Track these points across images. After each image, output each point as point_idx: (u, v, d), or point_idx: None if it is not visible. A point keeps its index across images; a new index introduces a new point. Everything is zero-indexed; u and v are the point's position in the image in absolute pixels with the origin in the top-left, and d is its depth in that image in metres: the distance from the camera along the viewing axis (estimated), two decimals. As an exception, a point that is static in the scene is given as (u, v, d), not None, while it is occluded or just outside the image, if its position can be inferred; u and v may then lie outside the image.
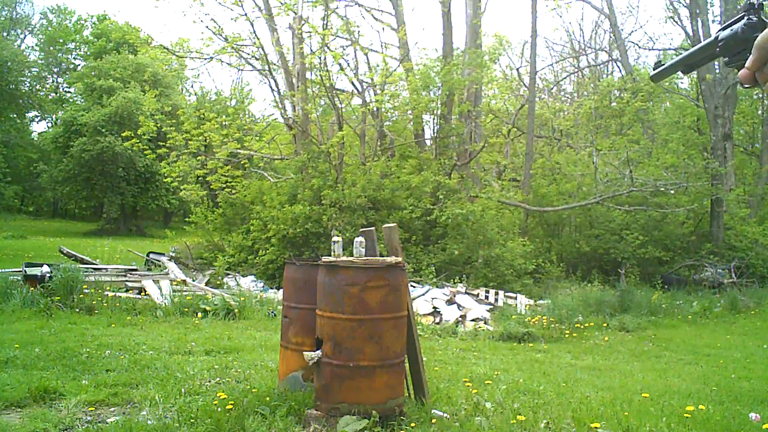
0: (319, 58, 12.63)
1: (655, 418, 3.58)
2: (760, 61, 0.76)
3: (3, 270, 8.55)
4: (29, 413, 3.54)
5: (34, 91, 32.54)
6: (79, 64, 36.81)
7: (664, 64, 1.06)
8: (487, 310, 9.26)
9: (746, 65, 0.78)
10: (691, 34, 15.31)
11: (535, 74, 16.97)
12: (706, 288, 12.46)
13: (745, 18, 0.84)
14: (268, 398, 3.68)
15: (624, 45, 18.77)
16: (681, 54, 1.01)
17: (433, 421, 3.42)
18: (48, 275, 7.66)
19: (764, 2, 0.84)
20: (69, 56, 38.09)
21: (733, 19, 0.88)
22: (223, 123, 14.57)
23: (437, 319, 8.68)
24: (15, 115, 30.65)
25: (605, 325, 8.74)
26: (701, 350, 7.29)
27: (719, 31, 0.89)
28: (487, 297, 10.15)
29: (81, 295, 7.34)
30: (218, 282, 10.68)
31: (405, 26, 14.13)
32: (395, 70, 13.56)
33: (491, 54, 13.48)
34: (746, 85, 0.84)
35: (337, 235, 4.14)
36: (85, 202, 29.79)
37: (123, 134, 17.64)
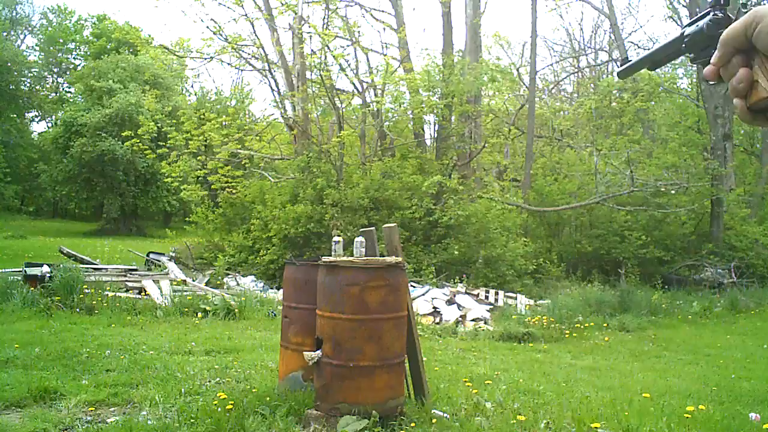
0: (320, 58, 12.64)
1: (655, 418, 3.58)
2: (724, 58, 0.77)
3: (3, 270, 8.55)
4: (29, 413, 3.54)
5: (34, 91, 32.55)
6: (79, 64, 36.79)
7: (630, 61, 1.06)
8: (487, 310, 9.26)
9: (711, 61, 0.79)
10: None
11: (535, 74, 16.98)
12: (706, 288, 12.46)
13: (711, 14, 0.85)
14: (268, 398, 3.68)
15: (624, 45, 18.76)
16: (647, 50, 1.01)
17: (433, 421, 3.42)
18: (48, 275, 7.65)
19: None
20: (69, 56, 38.08)
21: (698, 16, 0.88)
22: (224, 123, 14.56)
23: (437, 319, 8.68)
24: (15, 115, 30.65)
25: (605, 325, 8.73)
26: (701, 350, 7.29)
27: (685, 27, 0.90)
28: (487, 297, 10.15)
29: (81, 295, 7.34)
30: (218, 282, 10.68)
31: (405, 26, 14.14)
32: (395, 70, 13.57)
33: (491, 71, 13.48)
34: (711, 82, 0.84)
35: (339, 235, 4.14)
36: (85, 203, 29.77)
37: (123, 134, 17.65)
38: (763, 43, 0.72)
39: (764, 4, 0.77)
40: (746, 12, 0.77)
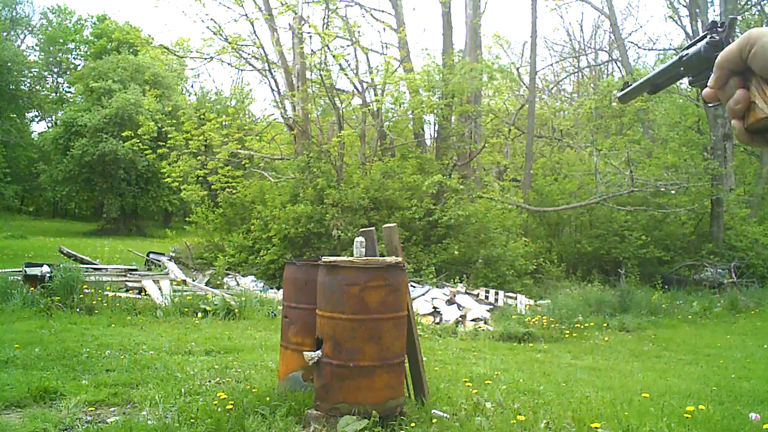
0: (320, 58, 12.64)
1: (655, 418, 3.58)
2: (720, 80, 0.78)
3: (3, 270, 8.55)
4: (29, 413, 3.54)
5: (34, 91, 32.51)
6: (79, 64, 36.80)
7: (631, 85, 1.07)
8: (487, 310, 9.26)
9: (708, 84, 0.80)
10: (690, 34, 15.33)
11: (535, 74, 16.98)
12: (706, 288, 12.46)
13: (708, 37, 0.86)
14: (268, 398, 3.68)
15: (624, 45, 18.77)
16: (647, 74, 1.03)
17: (433, 421, 3.42)
18: (48, 275, 7.65)
19: (737, 19, 0.86)
20: (69, 56, 38.07)
21: (696, 39, 0.89)
22: (224, 123, 14.56)
23: (437, 319, 8.68)
24: (15, 115, 30.62)
25: (605, 325, 8.73)
26: (701, 350, 7.29)
27: (683, 50, 0.91)
28: (487, 297, 10.15)
29: (81, 295, 7.34)
30: (218, 282, 10.68)
31: (405, 26, 14.14)
32: (395, 70, 13.57)
33: (490, 70, 13.49)
34: (710, 104, 0.85)
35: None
36: (85, 203, 29.77)
37: (123, 134, 17.65)
38: (759, 65, 0.72)
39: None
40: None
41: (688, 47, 0.90)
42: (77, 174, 25.75)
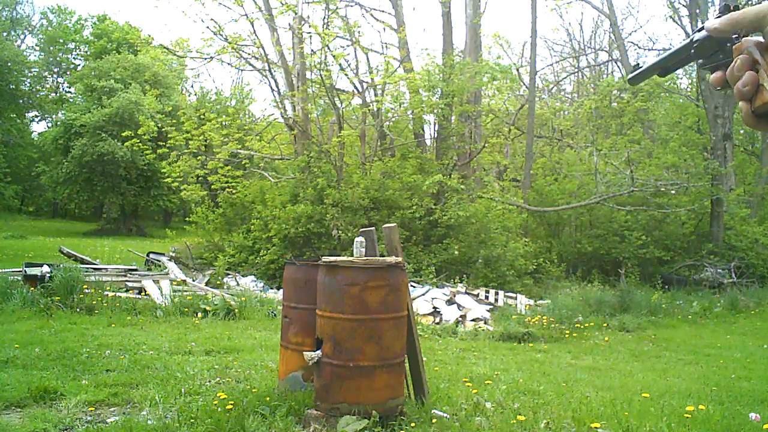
0: (320, 57, 12.65)
1: (655, 418, 3.57)
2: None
3: (3, 270, 8.55)
4: (29, 413, 3.54)
5: (34, 91, 32.50)
6: (79, 64, 36.77)
7: (641, 67, 1.06)
8: (487, 310, 9.26)
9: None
10: (690, 33, 15.32)
11: (535, 74, 16.98)
12: (706, 288, 12.46)
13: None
14: (268, 398, 3.68)
15: (624, 45, 18.77)
16: (658, 57, 1.02)
17: (433, 421, 3.42)
18: (48, 275, 7.65)
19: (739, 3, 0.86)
20: (69, 56, 38.04)
21: (708, 21, 0.89)
22: (224, 123, 14.56)
23: (437, 319, 8.68)
24: (15, 115, 30.61)
25: (605, 325, 8.73)
26: (701, 350, 7.29)
27: (694, 32, 0.90)
28: (487, 297, 10.15)
29: (81, 295, 7.34)
30: (218, 282, 10.67)
31: (405, 26, 14.15)
32: (396, 70, 13.57)
33: (491, 71, 13.50)
34: (717, 88, 0.84)
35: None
36: (85, 203, 29.76)
37: (123, 134, 17.65)
38: None
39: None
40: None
41: (698, 30, 0.90)
42: (78, 174, 25.73)
